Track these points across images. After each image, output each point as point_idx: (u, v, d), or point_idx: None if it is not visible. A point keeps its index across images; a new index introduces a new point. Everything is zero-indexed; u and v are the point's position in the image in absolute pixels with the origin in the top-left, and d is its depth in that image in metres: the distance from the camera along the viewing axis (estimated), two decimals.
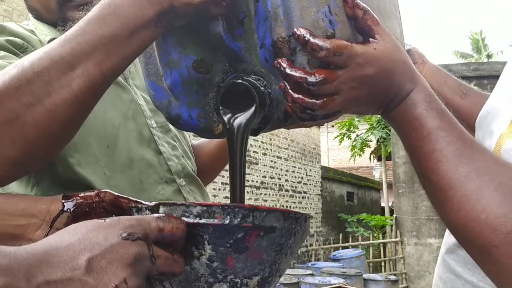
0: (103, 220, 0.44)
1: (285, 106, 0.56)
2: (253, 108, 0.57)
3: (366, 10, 0.54)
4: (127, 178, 0.82)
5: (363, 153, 10.97)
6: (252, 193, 8.30)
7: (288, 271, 6.95)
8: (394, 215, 7.00)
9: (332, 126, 14.35)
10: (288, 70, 0.52)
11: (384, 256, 7.70)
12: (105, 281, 0.40)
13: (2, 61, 0.73)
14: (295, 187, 9.62)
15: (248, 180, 8.23)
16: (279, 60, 0.53)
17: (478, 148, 0.52)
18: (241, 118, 0.58)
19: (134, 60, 0.59)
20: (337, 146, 13.79)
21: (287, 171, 9.38)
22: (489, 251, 0.47)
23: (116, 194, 0.63)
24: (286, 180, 9.31)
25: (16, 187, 0.79)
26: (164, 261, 0.45)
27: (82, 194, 0.62)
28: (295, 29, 0.53)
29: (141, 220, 0.46)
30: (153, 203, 0.51)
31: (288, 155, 9.50)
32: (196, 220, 0.47)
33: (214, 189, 6.77)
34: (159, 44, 0.63)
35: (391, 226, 7.39)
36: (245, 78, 0.58)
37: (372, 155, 11.69)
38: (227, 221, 0.47)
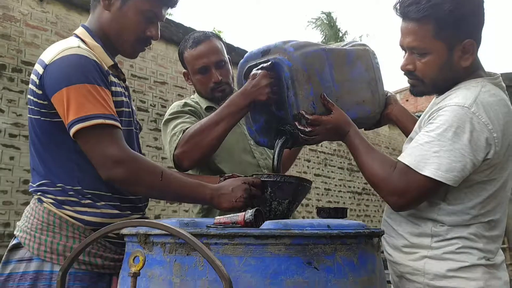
0: (236, 178, 1.40)
1: (299, 138, 1.46)
2: (284, 138, 1.48)
3: (329, 101, 1.43)
4: (239, 170, 1.73)
5: None
6: (354, 198, 8.96)
7: None
8: None
9: None
10: (298, 126, 1.43)
11: None
12: (236, 194, 1.35)
13: (190, 119, 1.74)
14: None
15: (350, 187, 8.93)
16: (295, 122, 1.44)
17: (373, 149, 1.38)
18: (280, 142, 1.50)
19: None
20: None
21: None
22: (380, 187, 1.32)
23: (238, 174, 1.57)
24: None
25: (191, 173, 1.79)
26: (254, 191, 1.38)
27: (227, 175, 1.55)
28: (300, 110, 1.43)
29: (247, 178, 1.40)
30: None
31: None
32: (265, 179, 1.40)
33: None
34: (251, 112, 1.58)
35: None
36: (285, 126, 1.50)
37: None
38: (275, 179, 1.38)
